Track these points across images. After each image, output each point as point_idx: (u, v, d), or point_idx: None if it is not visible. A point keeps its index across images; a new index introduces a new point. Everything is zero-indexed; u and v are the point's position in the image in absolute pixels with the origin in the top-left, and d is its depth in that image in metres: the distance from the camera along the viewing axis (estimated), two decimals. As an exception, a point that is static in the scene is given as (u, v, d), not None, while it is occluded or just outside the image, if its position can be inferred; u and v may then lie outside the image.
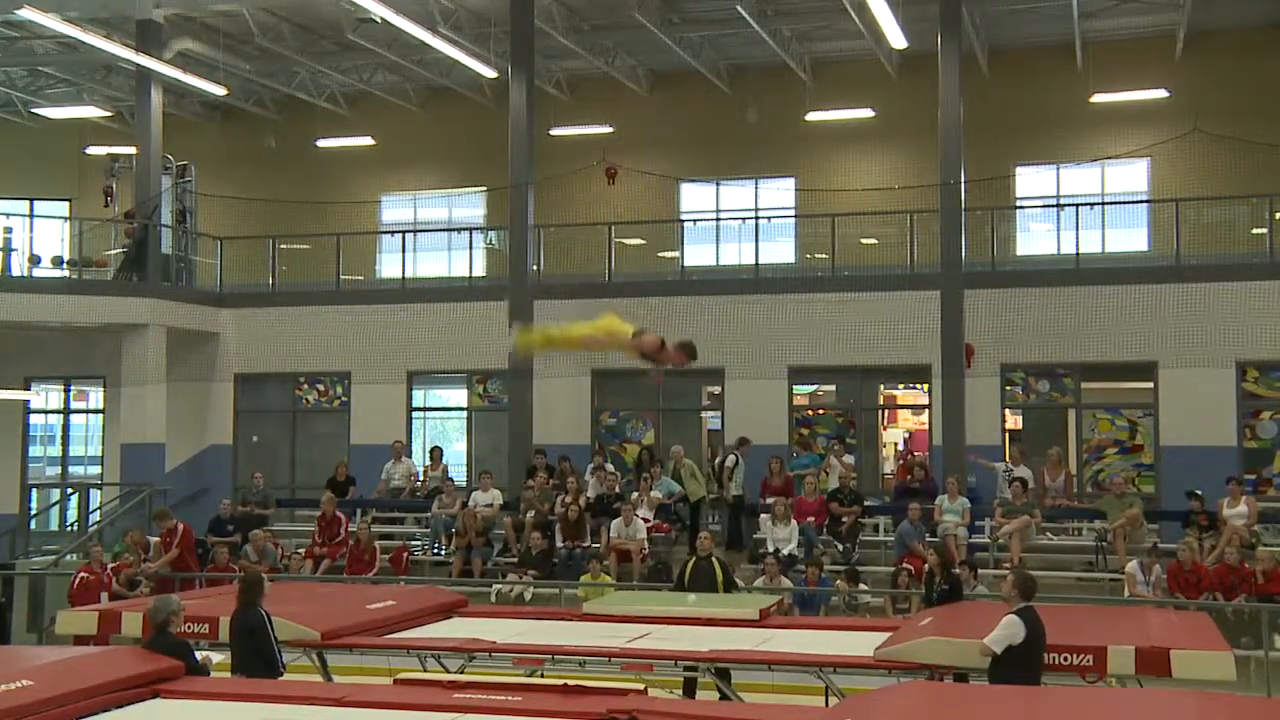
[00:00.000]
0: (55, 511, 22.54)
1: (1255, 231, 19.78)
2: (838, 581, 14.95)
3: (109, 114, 25.25)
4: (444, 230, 24.12)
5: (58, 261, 21.99)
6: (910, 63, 21.20)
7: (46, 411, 23.91)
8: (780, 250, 22.39)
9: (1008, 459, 17.76)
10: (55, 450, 23.99)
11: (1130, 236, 21.24)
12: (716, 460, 18.35)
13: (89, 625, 10.27)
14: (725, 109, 22.99)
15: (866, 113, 22.47)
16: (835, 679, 8.97)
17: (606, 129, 23.40)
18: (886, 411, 21.29)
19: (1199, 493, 15.88)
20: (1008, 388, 18.89)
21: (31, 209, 24.99)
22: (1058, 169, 22.05)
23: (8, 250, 21.10)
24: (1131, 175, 21.83)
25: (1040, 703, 7.06)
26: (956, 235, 18.61)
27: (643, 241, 22.84)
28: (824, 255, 21.08)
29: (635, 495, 17.32)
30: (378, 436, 20.25)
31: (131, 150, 22.05)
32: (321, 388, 21.66)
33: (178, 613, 8.46)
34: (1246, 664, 11.73)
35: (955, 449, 18.07)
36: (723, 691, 9.44)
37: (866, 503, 17.43)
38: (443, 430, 22.38)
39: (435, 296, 21.20)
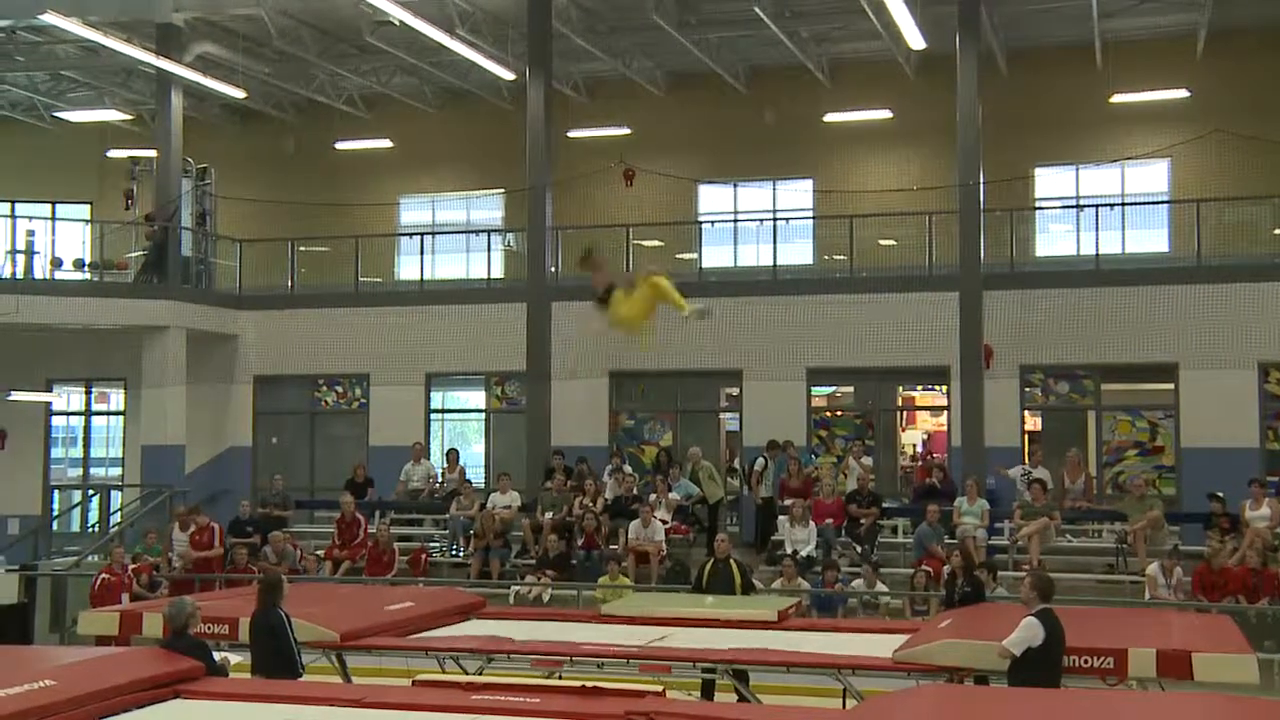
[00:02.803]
0: (77, 513, 22.68)
1: (1277, 232, 19.68)
2: (857, 582, 14.91)
3: (130, 117, 25.38)
4: (462, 232, 24.17)
5: (79, 264, 22.15)
6: (928, 63, 21.12)
7: (68, 413, 24.06)
8: (798, 251, 22.35)
9: (1026, 460, 17.69)
10: (76, 452, 24.11)
11: (1151, 237, 21.13)
12: (736, 461, 18.37)
13: (110, 626, 10.32)
14: (743, 110, 22.96)
15: (885, 114, 22.41)
16: (853, 681, 8.96)
17: (624, 131, 23.40)
18: (905, 413, 21.24)
19: (1220, 495, 15.78)
20: (1027, 389, 18.83)
21: (53, 212, 25.10)
22: (1077, 169, 21.96)
23: (30, 253, 21.22)
24: (1152, 176, 21.71)
25: (1060, 705, 7.03)
26: (975, 236, 18.55)
27: (660, 243, 22.81)
28: (842, 256, 21.02)
29: (653, 497, 17.31)
30: (396, 438, 20.30)
31: (152, 153, 22.18)
32: (340, 389, 21.73)
33: (194, 614, 8.50)
34: (1270, 667, 11.66)
35: (974, 451, 18.01)
36: (741, 693, 9.43)
37: (885, 504, 17.39)
38: (461, 432, 22.42)
39: (453, 298, 21.25)
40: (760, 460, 17.82)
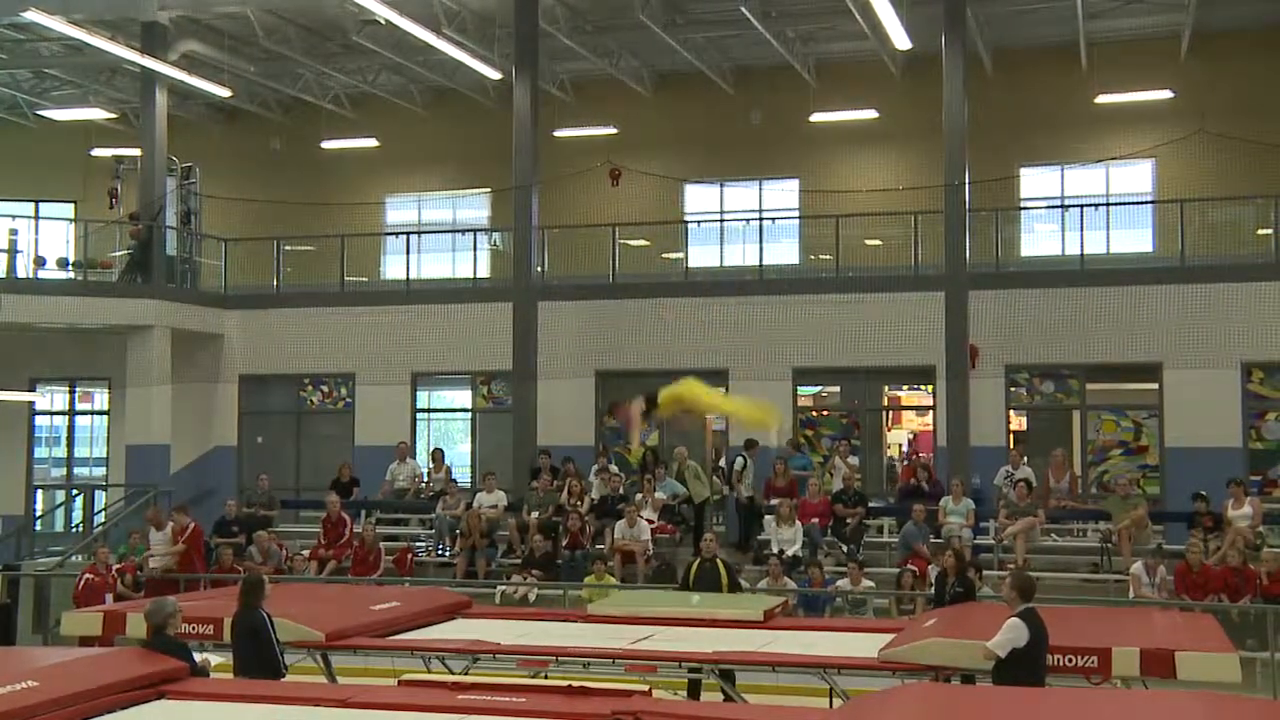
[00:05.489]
0: (60, 513, 22.59)
1: (1260, 232, 19.75)
2: (843, 581, 14.92)
3: (114, 116, 25.27)
4: (448, 231, 24.11)
5: (63, 263, 22.04)
6: (914, 64, 21.18)
7: (52, 413, 23.95)
8: (784, 251, 22.38)
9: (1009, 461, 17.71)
10: (60, 452, 24.00)
11: (1135, 237, 21.21)
12: (722, 461, 18.36)
13: (94, 626, 10.29)
14: (729, 110, 22.98)
15: (870, 114, 22.44)
16: (839, 680, 8.97)
17: (610, 130, 23.40)
18: (891, 413, 21.27)
19: (1205, 494, 15.85)
20: (1012, 389, 18.88)
21: (37, 211, 24.95)
22: (1062, 169, 22.02)
23: (13, 252, 21.13)
24: (1136, 176, 21.80)
25: (1044, 704, 7.04)
26: (961, 236, 18.58)
27: (647, 243, 22.82)
28: (828, 256, 21.04)
29: (639, 496, 17.32)
30: (382, 438, 20.25)
31: (136, 152, 22.08)
32: (326, 389, 21.68)
33: (175, 614, 8.45)
34: (1252, 666, 11.72)
35: (960, 450, 18.05)
36: (727, 693, 9.44)
37: (870, 504, 17.42)
38: (447, 431, 22.38)
39: (439, 298, 21.22)
40: (740, 459, 17.79)
